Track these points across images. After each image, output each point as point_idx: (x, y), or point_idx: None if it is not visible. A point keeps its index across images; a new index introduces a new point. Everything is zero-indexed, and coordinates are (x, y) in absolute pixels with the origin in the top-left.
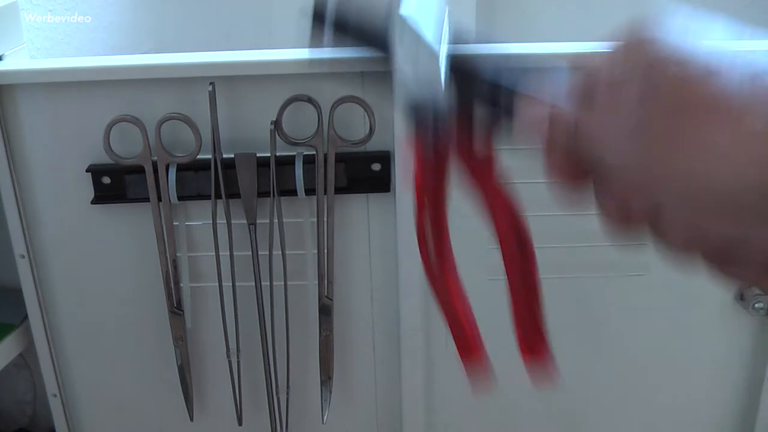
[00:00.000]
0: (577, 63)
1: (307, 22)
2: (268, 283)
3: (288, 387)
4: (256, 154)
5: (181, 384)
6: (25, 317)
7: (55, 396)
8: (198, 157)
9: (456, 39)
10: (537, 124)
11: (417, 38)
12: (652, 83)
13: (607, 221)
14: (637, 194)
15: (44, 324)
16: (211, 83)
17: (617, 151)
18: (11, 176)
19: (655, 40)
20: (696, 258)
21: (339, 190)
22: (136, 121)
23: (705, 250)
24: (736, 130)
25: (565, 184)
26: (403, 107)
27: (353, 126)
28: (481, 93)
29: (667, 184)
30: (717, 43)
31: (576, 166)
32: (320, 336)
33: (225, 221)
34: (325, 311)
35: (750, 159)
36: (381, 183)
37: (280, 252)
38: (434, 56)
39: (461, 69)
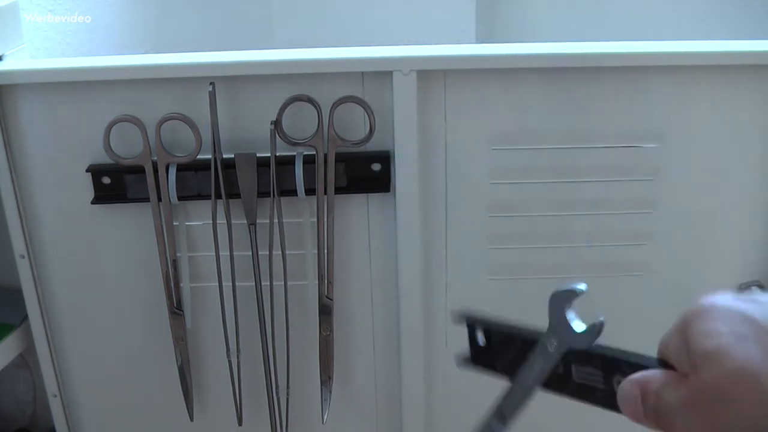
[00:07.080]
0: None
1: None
2: (268, 283)
3: (288, 387)
4: (256, 154)
5: (181, 384)
6: (25, 317)
7: (55, 396)
8: (198, 157)
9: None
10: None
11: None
12: None
13: None
14: None
15: (44, 324)
16: (211, 83)
17: None
18: (11, 176)
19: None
20: None
21: (339, 190)
22: (136, 121)
23: None
24: None
25: None
26: None
27: (353, 126)
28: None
29: None
30: None
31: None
32: (320, 336)
33: (225, 221)
34: (325, 311)
35: None
36: (381, 183)
37: (280, 252)
38: None
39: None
